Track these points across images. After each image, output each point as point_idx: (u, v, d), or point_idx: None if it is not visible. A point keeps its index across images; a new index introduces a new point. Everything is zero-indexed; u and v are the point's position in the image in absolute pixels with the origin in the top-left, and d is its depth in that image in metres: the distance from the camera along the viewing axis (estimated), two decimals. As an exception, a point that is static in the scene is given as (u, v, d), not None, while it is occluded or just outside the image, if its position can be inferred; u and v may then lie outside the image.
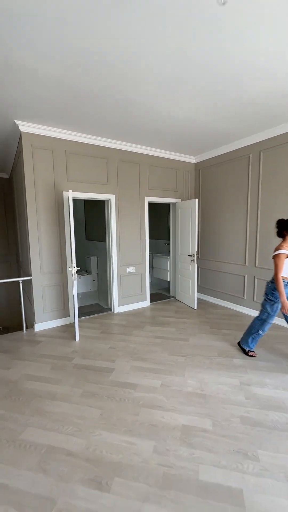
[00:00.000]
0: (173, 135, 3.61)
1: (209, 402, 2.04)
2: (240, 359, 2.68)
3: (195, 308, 4.30)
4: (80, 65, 2.07)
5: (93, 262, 5.62)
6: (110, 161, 3.89)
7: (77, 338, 3.18)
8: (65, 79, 2.25)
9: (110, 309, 4.29)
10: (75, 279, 3.07)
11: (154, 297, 4.95)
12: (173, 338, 3.22)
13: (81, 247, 6.60)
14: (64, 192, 2.92)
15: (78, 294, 5.34)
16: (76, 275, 3.11)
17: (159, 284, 6.03)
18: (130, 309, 4.34)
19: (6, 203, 5.85)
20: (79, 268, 3.29)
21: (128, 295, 4.32)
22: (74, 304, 3.16)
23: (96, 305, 4.56)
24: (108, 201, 4.02)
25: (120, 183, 4.02)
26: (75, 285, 3.11)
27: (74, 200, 6.72)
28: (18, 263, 5.43)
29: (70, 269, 2.92)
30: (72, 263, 3.00)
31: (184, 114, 2.94)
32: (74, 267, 3.08)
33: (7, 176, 5.71)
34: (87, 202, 5.95)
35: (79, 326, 3.62)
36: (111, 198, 3.94)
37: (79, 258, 6.90)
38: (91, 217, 5.84)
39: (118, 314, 4.14)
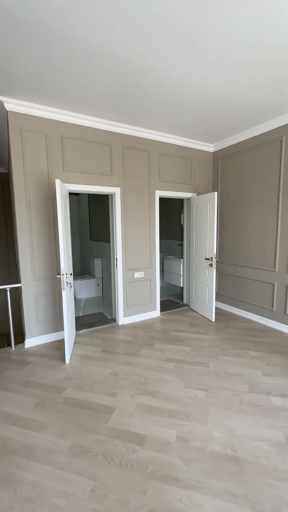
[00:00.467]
0: (189, 115, 3.00)
1: (246, 473, 1.44)
2: (280, 398, 2.05)
3: (213, 320, 3.68)
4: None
5: (97, 264, 5.07)
6: (115, 148, 3.32)
7: (68, 361, 2.63)
8: (52, 23, 1.69)
9: (114, 320, 3.73)
10: (65, 289, 2.50)
11: (164, 305, 4.36)
12: (189, 361, 2.62)
13: (85, 248, 6.08)
14: (56, 181, 2.37)
15: (80, 300, 4.82)
16: (67, 284, 2.56)
17: (170, 290, 5.43)
18: (138, 321, 3.77)
19: (5, 199, 5.40)
20: (70, 274, 2.72)
21: (135, 304, 3.75)
22: (64, 320, 2.61)
23: (98, 314, 4.01)
24: (112, 195, 3.45)
25: (127, 174, 3.45)
26: (65, 297, 2.55)
27: (79, 196, 6.21)
28: (17, 265, 4.96)
29: (59, 276, 2.40)
30: (62, 268, 2.44)
31: (203, 80, 2.33)
32: (65, 274, 2.52)
33: (6, 171, 5.25)
34: (92, 198, 5.42)
35: (76, 342, 3.08)
36: (115, 191, 3.38)
37: (83, 260, 6.39)
38: (96, 215, 5.30)
39: (123, 326, 3.57)
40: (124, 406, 1.98)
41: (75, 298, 4.96)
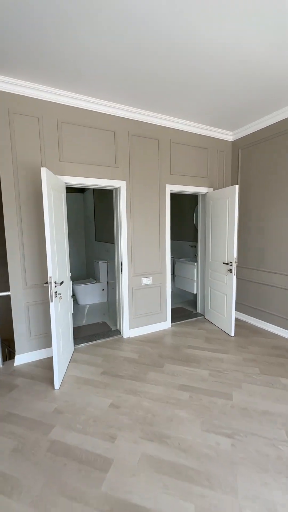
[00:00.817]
0: (206, 93, 2.52)
1: None
2: None
3: (232, 334, 3.17)
4: None
5: (102, 268, 4.65)
6: (120, 135, 2.88)
7: (57, 386, 2.19)
8: None
9: (118, 332, 3.28)
10: (53, 300, 2.07)
11: (176, 314, 3.88)
12: (207, 390, 2.14)
13: (91, 249, 5.68)
14: (42, 169, 1.95)
15: (83, 306, 4.41)
16: (56, 294, 2.12)
17: (182, 296, 4.93)
18: (145, 333, 3.30)
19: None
20: (61, 283, 2.29)
21: (143, 314, 3.29)
22: (53, 339, 2.18)
23: (102, 324, 3.57)
24: (116, 189, 3.01)
25: (133, 166, 3.00)
26: (53, 310, 2.11)
27: (85, 194, 5.83)
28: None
29: (47, 284, 1.98)
30: (50, 275, 2.01)
31: (231, 36, 1.84)
32: (54, 283, 2.09)
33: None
34: (97, 195, 5.00)
35: (73, 360, 2.65)
36: (120, 185, 2.93)
37: (88, 263, 5.99)
38: (100, 213, 4.88)
39: (128, 340, 3.11)
40: (125, 458, 1.52)
41: (77, 304, 4.55)
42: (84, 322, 3.70)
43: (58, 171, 2.60)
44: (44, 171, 1.94)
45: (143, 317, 3.29)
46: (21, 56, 1.97)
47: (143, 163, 3.05)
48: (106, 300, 4.74)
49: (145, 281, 3.24)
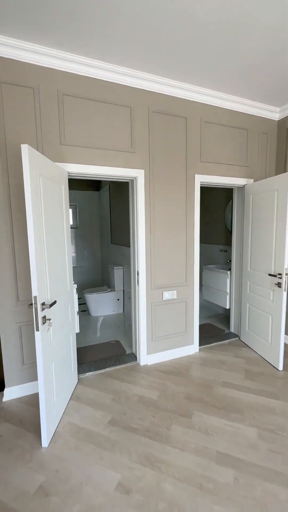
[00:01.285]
0: (254, 47, 1.84)
1: None
2: None
3: (281, 368, 2.44)
4: None
5: (118, 274, 4.07)
6: (138, 112, 2.28)
7: (45, 444, 1.61)
8: None
9: (134, 356, 2.68)
10: (39, 329, 1.48)
11: (203, 333, 3.19)
12: (259, 469, 1.45)
13: (106, 253, 5.16)
14: (23, 146, 1.38)
15: (95, 318, 3.86)
16: (42, 320, 1.54)
17: (209, 308, 4.22)
18: (167, 360, 2.66)
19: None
20: (51, 305, 1.69)
21: (164, 336, 2.65)
22: (39, 381, 1.60)
23: (115, 345, 2.98)
24: (132, 181, 2.41)
25: (154, 151, 2.38)
26: (39, 341, 1.52)
27: (101, 191, 5.31)
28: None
29: (31, 306, 1.45)
30: (34, 294, 1.43)
31: None
32: (41, 305, 1.51)
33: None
34: (113, 191, 4.45)
35: (75, 397, 2.07)
36: (137, 175, 2.33)
37: (104, 268, 5.48)
38: (116, 212, 4.32)
39: (146, 369, 2.49)
40: None
41: (89, 315, 4.01)
42: (94, 340, 3.13)
43: (58, 157, 2.05)
44: (25, 149, 1.37)
45: (164, 340, 2.65)
46: (17, 11, 1.43)
47: (167, 147, 2.43)
48: (121, 311, 4.16)
49: (167, 295, 2.60)
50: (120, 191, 4.01)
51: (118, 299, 4.11)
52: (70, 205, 5.21)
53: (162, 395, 2.09)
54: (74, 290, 2.29)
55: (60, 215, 1.91)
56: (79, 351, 2.79)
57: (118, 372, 2.44)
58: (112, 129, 2.21)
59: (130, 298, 3.81)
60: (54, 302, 1.62)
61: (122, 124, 2.24)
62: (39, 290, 1.46)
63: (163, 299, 2.59)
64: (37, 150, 1.98)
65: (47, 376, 1.60)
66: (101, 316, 3.99)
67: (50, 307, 1.54)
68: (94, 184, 5.39)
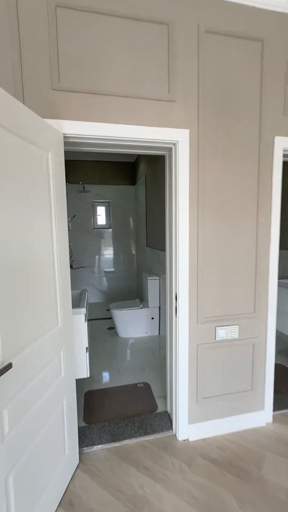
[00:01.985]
0: None
1: None
2: None
3: None
4: None
5: (152, 286, 3.20)
6: (180, 32, 1.38)
7: None
8: None
9: (169, 420, 1.76)
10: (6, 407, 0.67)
11: (276, 383, 2.10)
12: None
13: (142, 259, 4.35)
14: None
15: (124, 340, 3.05)
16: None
17: (280, 341, 3.04)
18: (221, 434, 1.68)
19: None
20: (6, 367, 0.86)
21: (216, 395, 1.68)
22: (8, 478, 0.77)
23: (142, 390, 2.10)
24: (170, 149, 1.51)
25: (206, 99, 1.45)
26: (5, 420, 0.71)
27: (137, 184, 4.53)
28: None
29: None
30: None
31: None
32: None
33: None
34: (150, 183, 3.60)
35: (68, 502, 1.25)
36: (178, 140, 1.42)
37: (139, 277, 4.68)
38: (153, 209, 3.46)
39: (187, 449, 1.56)
40: None
41: (117, 336, 3.22)
42: (115, 378, 2.31)
43: (49, 110, 1.27)
44: None
45: (216, 402, 1.68)
46: None
47: (228, 93, 1.47)
48: (157, 333, 3.27)
49: (223, 332, 1.62)
50: (158, 182, 3.14)
51: (152, 318, 3.24)
52: (101, 202, 4.53)
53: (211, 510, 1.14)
54: (83, 319, 1.50)
55: (41, 202, 1.12)
56: (89, 396, 1.99)
57: (142, 450, 1.56)
58: (136, 63, 1.34)
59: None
60: (8, 366, 0.82)
61: (153, 54, 1.36)
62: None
63: (217, 338, 1.62)
64: (23, 97, 1.23)
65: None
66: (131, 338, 3.17)
67: (6, 370, 0.74)
68: (129, 177, 4.62)
